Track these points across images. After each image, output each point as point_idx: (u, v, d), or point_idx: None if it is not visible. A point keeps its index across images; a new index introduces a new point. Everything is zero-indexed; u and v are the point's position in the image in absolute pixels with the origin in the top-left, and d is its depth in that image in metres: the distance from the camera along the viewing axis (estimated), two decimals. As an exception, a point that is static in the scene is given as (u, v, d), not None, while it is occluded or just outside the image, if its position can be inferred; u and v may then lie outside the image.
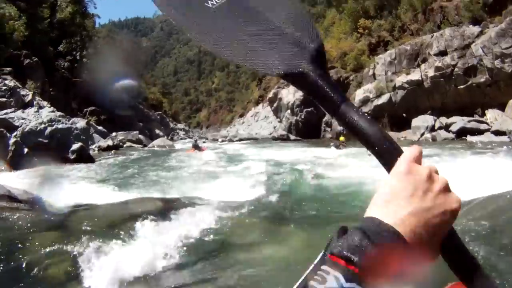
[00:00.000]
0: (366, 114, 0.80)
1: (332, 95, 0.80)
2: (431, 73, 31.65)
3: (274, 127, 56.75)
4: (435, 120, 31.15)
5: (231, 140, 48.93)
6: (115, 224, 7.04)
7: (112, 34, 72.95)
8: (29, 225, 6.84)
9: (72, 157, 22.28)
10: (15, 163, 18.61)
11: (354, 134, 0.77)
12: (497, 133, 26.03)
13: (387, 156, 0.71)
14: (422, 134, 30.45)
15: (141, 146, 39.75)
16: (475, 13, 32.32)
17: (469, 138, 26.25)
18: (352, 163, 17.68)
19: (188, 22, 0.90)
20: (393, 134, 32.44)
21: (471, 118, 28.64)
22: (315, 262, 0.58)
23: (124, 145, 38.51)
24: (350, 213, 8.55)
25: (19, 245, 5.93)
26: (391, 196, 0.64)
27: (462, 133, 27.64)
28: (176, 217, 7.37)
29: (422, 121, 31.49)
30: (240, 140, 48.00)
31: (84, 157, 22.72)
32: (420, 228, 0.61)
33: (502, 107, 28.14)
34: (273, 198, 9.82)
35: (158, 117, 71.98)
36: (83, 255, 5.50)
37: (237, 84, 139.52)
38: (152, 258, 5.72)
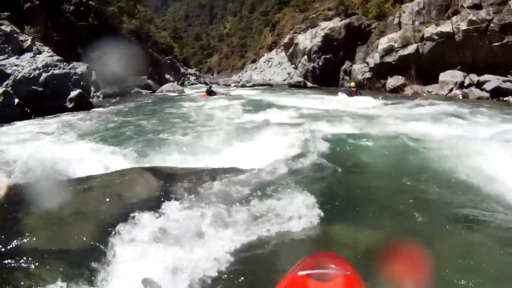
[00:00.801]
0: None
1: None
2: (463, 26, 28.98)
3: (289, 74, 54.59)
4: (464, 76, 28.68)
5: (244, 86, 46.65)
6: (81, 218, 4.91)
7: None
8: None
9: (70, 105, 20.25)
10: (3, 117, 16.17)
11: None
12: (534, 95, 23.69)
13: None
14: (451, 90, 28.11)
15: (150, 91, 37.89)
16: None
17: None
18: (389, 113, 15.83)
19: None
20: (418, 88, 30.47)
21: (506, 78, 26.21)
22: None
23: (132, 91, 36.70)
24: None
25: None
26: None
27: (496, 92, 25.18)
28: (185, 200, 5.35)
29: (450, 76, 29.02)
30: (254, 85, 45.68)
31: (83, 105, 20.73)
32: None
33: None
34: (316, 165, 7.44)
35: (168, 62, 69.33)
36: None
37: (249, 29, 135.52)
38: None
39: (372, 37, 39.49)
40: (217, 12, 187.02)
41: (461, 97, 26.18)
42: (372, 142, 9.36)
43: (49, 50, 23.01)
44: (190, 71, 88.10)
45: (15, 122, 15.97)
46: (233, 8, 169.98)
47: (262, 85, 46.26)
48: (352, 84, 29.38)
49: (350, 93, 26.61)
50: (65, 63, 22.47)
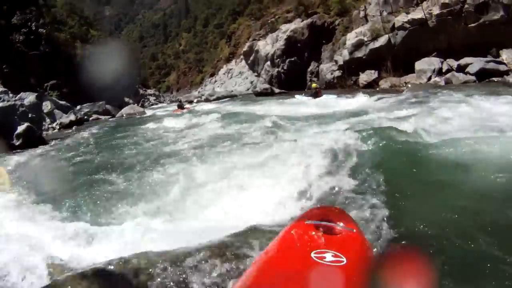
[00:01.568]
0: None
1: None
2: (436, 11, 27.01)
3: (251, 82, 52.18)
4: (442, 62, 26.60)
5: (207, 100, 43.60)
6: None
7: (71, 3, 66.59)
8: None
9: (17, 143, 17.21)
10: None
11: None
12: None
13: None
14: (429, 78, 25.97)
15: (109, 117, 35.13)
16: None
17: (503, 79, 21.86)
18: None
19: None
20: (395, 80, 28.30)
21: (488, 59, 24.22)
22: None
23: (90, 118, 34.25)
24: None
25: None
26: None
27: (482, 75, 23.16)
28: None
29: (427, 64, 26.85)
30: (218, 98, 42.77)
31: (33, 140, 17.61)
32: None
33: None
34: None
35: (126, 84, 66.31)
36: None
37: (205, 44, 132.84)
38: None
39: (337, 34, 37.53)
40: (171, 30, 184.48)
41: (443, 84, 24.20)
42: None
43: (-2, 84, 20.14)
44: (149, 91, 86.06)
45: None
46: (186, 24, 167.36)
47: (226, 97, 43.46)
48: (314, 85, 28.89)
49: (315, 94, 26.01)
50: (11, 95, 19.64)
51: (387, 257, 3.42)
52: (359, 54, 31.07)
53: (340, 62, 33.00)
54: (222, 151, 9.64)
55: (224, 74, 74.39)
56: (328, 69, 35.05)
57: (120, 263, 3.59)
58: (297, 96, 28.12)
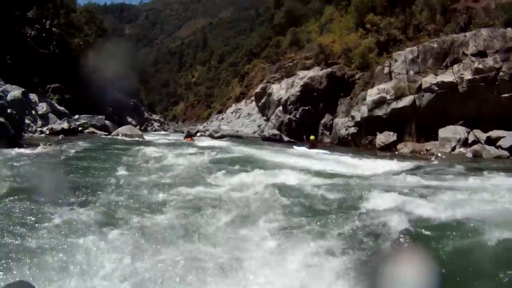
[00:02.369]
0: None
1: None
2: (468, 75, 24.89)
3: (259, 126, 49.59)
4: (468, 132, 24.43)
5: (211, 136, 41.07)
6: None
7: (92, 10, 65.51)
8: None
9: None
10: None
11: None
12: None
13: None
14: (454, 148, 23.71)
15: (106, 133, 32.80)
16: (513, 15, 26.78)
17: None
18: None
19: None
20: (417, 146, 25.88)
21: (519, 134, 22.13)
22: None
23: (85, 131, 32.03)
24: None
25: None
26: None
27: (515, 151, 20.99)
28: None
29: (452, 132, 24.67)
30: (223, 136, 40.20)
31: (3, 140, 15.10)
32: None
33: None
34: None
35: (132, 104, 64.39)
36: None
37: (217, 79, 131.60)
38: None
39: (356, 89, 35.34)
40: (186, 60, 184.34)
41: (470, 156, 22.09)
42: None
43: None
44: (155, 117, 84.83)
45: None
46: (202, 57, 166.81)
47: (231, 136, 40.87)
48: (312, 137, 28.67)
49: (312, 146, 25.92)
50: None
51: None
52: (379, 112, 28.61)
53: (357, 119, 30.52)
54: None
55: (232, 113, 71.99)
56: (343, 124, 32.56)
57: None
58: (295, 147, 26.96)
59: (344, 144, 31.06)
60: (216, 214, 7.22)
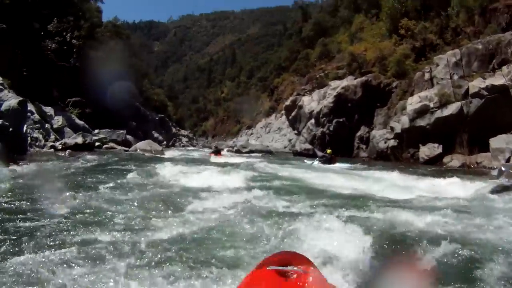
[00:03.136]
0: None
1: None
2: (520, 77, 22.11)
3: (290, 140, 47.26)
4: (523, 141, 21.50)
5: (239, 151, 38.56)
6: None
7: (117, 25, 64.41)
8: None
9: None
10: None
11: None
12: None
13: None
14: (509, 160, 20.69)
15: (126, 148, 30.79)
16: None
17: None
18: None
19: None
20: (467, 159, 23.10)
21: None
22: None
23: (104, 146, 30.13)
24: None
25: None
26: None
27: None
28: None
29: (505, 142, 21.55)
30: (251, 152, 37.61)
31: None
32: None
33: None
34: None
35: (157, 119, 62.61)
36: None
37: (246, 95, 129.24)
38: None
39: (393, 98, 32.72)
40: (215, 76, 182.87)
41: None
42: None
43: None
44: (183, 132, 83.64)
45: None
46: (231, 73, 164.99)
47: (260, 151, 38.31)
48: (329, 151, 25.72)
49: (330, 161, 23.75)
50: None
51: None
52: (421, 122, 25.81)
53: (397, 130, 27.75)
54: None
55: (261, 128, 69.88)
56: (381, 136, 29.80)
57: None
58: (306, 161, 25.93)
59: (383, 158, 28.38)
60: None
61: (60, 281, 4.21)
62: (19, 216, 6.72)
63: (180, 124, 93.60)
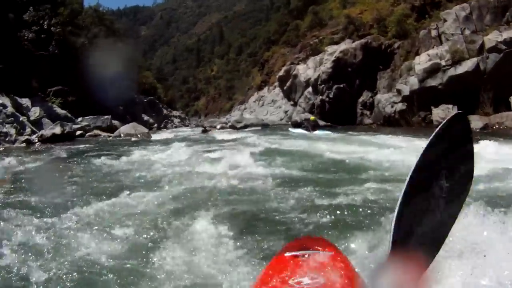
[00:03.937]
0: None
1: None
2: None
3: (286, 112, 44.60)
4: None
5: (233, 127, 35.99)
6: None
7: (98, 11, 61.91)
8: None
9: None
10: None
11: None
12: None
13: None
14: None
15: (112, 135, 28.46)
16: None
17: None
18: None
19: None
20: (487, 119, 20.70)
21: None
22: None
23: (87, 134, 27.63)
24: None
25: None
26: None
27: None
28: None
29: (528, 99, 19.33)
30: (246, 126, 35.07)
31: None
32: None
33: None
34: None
35: (145, 101, 59.92)
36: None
37: (236, 71, 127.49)
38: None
39: (396, 59, 30.10)
40: (204, 55, 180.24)
41: None
42: None
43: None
44: (175, 113, 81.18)
45: None
46: (220, 51, 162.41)
47: (256, 125, 35.79)
48: (312, 117, 26.60)
49: (312, 128, 23.74)
50: None
51: None
52: (433, 82, 23.33)
53: (406, 92, 25.10)
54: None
55: (254, 102, 67.18)
56: (387, 100, 27.21)
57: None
58: (291, 129, 26.22)
59: (391, 124, 25.89)
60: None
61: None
62: None
63: (171, 105, 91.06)
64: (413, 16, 31.58)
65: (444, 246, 2.73)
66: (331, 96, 32.41)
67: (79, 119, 30.80)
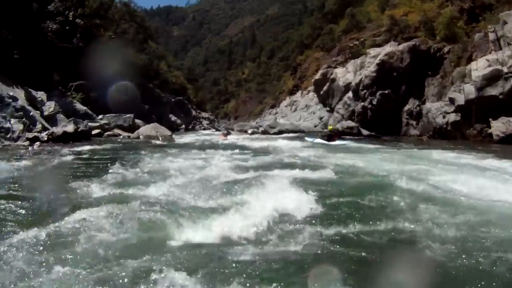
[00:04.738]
0: None
1: None
2: None
3: (321, 118, 42.01)
4: None
5: (266, 132, 33.72)
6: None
7: (128, 5, 60.57)
8: None
9: None
10: None
11: None
12: None
13: None
14: None
15: (129, 135, 26.59)
16: None
17: None
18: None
19: None
20: None
21: None
22: None
23: (106, 133, 26.11)
24: None
25: None
26: None
27: None
28: None
29: None
30: (281, 132, 32.74)
31: None
32: None
33: None
34: None
35: (173, 101, 58.05)
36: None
37: (268, 75, 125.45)
38: None
39: (446, 65, 27.35)
40: (235, 57, 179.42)
41: None
42: None
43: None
44: (204, 114, 79.98)
45: None
46: (251, 54, 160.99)
47: (291, 131, 33.43)
48: (330, 127, 25.88)
49: (329, 138, 22.05)
50: None
51: None
52: (493, 91, 20.55)
53: (460, 102, 22.26)
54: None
55: (286, 106, 64.83)
56: (438, 110, 24.41)
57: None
58: (307, 139, 24.34)
59: (443, 137, 23.17)
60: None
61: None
62: None
63: (201, 107, 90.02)
64: (463, 18, 29.05)
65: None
66: (374, 102, 29.78)
67: (100, 116, 29.32)
